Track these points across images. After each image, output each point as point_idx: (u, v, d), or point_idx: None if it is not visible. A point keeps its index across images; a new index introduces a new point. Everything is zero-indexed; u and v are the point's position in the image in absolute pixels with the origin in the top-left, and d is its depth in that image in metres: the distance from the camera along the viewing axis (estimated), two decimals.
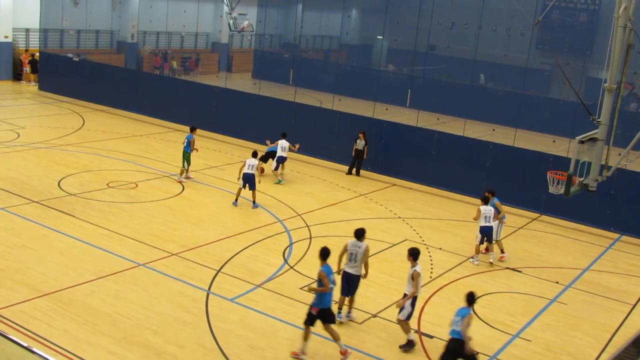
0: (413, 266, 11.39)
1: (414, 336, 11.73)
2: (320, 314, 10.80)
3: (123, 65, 38.78)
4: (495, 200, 16.31)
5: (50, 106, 29.88)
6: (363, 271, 12.14)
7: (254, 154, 18.54)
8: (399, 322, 11.59)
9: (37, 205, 16.82)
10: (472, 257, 16.16)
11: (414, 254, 11.45)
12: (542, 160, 20.37)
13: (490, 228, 15.85)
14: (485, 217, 15.77)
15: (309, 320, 10.84)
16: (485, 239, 15.92)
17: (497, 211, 16.17)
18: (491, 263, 16.06)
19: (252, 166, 17.97)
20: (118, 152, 22.73)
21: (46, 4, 35.27)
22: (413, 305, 11.48)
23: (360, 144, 22.71)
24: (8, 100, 30.66)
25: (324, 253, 11.11)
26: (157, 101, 29.27)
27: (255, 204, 18.25)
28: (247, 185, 18.03)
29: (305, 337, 10.81)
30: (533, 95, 33.69)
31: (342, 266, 12.10)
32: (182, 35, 44.69)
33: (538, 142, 25.45)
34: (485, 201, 16.03)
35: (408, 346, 11.61)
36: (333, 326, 10.97)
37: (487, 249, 16.23)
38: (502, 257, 16.39)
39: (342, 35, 44.06)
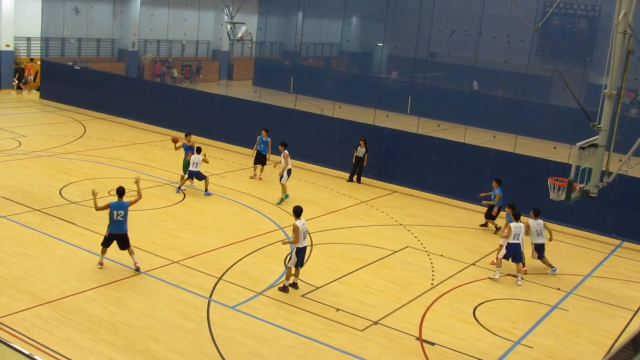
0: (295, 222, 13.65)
1: (290, 283, 13.73)
2: (115, 238, 13.69)
3: (124, 74, 38.88)
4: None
5: (52, 114, 29.94)
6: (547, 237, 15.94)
7: (198, 150, 19.82)
8: (287, 268, 13.81)
9: (39, 213, 16.84)
10: (495, 273, 15.68)
11: (295, 212, 13.80)
12: (543, 167, 20.37)
13: (518, 245, 15.55)
14: (516, 234, 15.47)
15: (104, 242, 13.82)
16: (511, 259, 15.55)
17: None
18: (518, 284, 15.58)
19: (197, 164, 19.57)
20: (119, 160, 22.76)
21: (47, 12, 35.40)
22: (297, 255, 13.52)
23: (360, 151, 22.72)
24: (9, 109, 30.71)
25: (119, 191, 13.85)
26: (158, 109, 29.32)
27: (207, 192, 19.76)
28: (194, 178, 19.80)
29: (103, 252, 13.90)
30: (533, 101, 33.71)
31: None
32: (182, 43, 44.82)
33: (539, 148, 25.48)
34: (517, 218, 15.77)
35: (284, 290, 13.67)
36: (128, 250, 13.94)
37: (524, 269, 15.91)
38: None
39: (343, 43, 44.14)
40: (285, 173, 19.92)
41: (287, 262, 14.03)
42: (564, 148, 22.96)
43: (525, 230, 15.79)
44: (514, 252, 15.51)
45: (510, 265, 16.36)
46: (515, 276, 15.81)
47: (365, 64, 44.69)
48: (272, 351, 11.35)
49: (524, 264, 15.95)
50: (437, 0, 31.35)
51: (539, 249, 16.15)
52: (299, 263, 13.69)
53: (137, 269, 13.82)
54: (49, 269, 13.61)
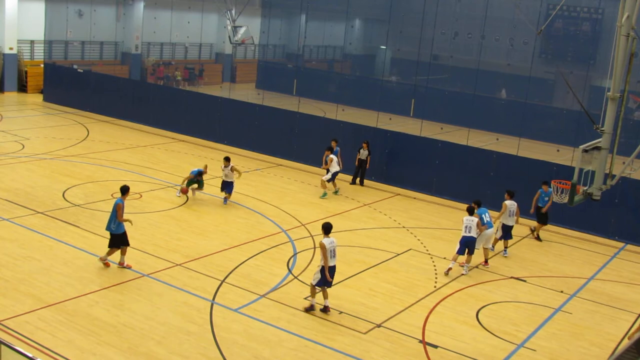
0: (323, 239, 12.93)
1: (316, 302, 13.10)
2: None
3: (127, 76, 38.94)
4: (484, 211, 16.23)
5: (55, 117, 30.00)
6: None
7: (227, 159, 19.43)
8: (311, 286, 13.04)
9: (42, 216, 16.87)
10: (448, 269, 15.75)
11: (324, 228, 13.06)
12: (546, 169, 20.36)
13: (473, 239, 15.56)
14: (467, 227, 15.51)
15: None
16: (467, 250, 15.62)
17: (482, 221, 15.97)
18: (463, 274, 15.77)
19: (228, 174, 19.26)
20: (122, 163, 22.79)
21: (51, 15, 35.50)
22: (322, 273, 12.78)
23: (363, 153, 22.73)
24: (13, 112, 30.79)
25: (122, 189, 14.19)
26: (161, 112, 29.36)
27: (225, 201, 19.53)
28: (224, 190, 19.50)
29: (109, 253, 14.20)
30: (537, 104, 33.71)
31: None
32: (186, 46, 44.91)
33: (542, 151, 25.47)
34: (471, 212, 15.73)
35: (310, 309, 13.01)
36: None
37: (467, 260, 15.95)
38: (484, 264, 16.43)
39: (346, 46, 44.24)
40: (329, 174, 21.20)
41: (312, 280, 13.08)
42: (567, 151, 22.96)
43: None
44: (467, 245, 15.56)
45: (514, 269, 16.38)
46: (518, 279, 15.82)
47: (368, 66, 44.77)
48: (275, 354, 11.35)
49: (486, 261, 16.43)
50: (440, 3, 31.37)
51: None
52: (326, 282, 12.86)
53: (121, 265, 14.19)
54: (52, 271, 13.63)
